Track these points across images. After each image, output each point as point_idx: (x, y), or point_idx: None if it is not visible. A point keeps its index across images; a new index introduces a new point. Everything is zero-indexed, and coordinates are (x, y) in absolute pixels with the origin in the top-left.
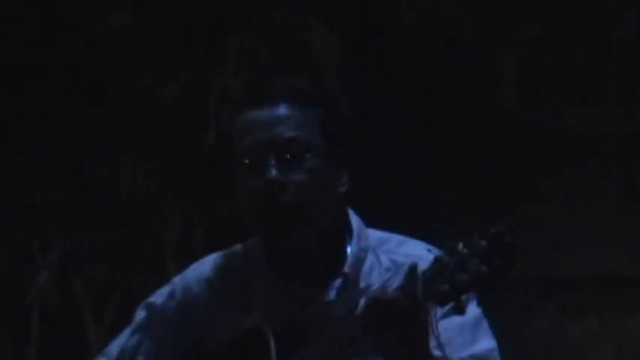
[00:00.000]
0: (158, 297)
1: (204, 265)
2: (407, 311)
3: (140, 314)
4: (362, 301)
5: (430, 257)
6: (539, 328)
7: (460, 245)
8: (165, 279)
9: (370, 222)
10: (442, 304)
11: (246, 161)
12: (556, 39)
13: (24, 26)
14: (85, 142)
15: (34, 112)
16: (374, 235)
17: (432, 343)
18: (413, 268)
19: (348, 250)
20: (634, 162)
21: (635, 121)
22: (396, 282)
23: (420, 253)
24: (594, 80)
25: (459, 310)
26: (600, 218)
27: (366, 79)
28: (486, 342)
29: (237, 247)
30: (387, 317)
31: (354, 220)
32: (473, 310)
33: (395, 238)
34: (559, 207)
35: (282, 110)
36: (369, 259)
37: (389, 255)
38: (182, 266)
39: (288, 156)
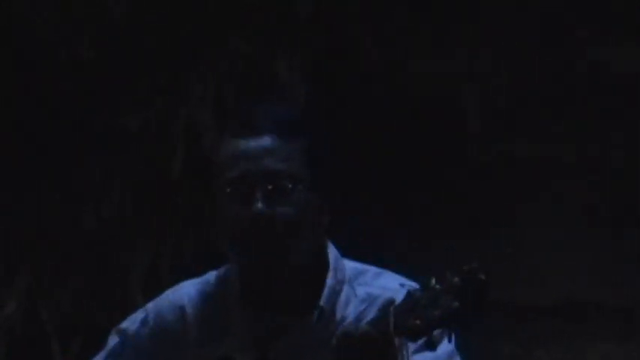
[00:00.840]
0: (131, 323)
1: (179, 293)
2: (378, 346)
3: (112, 340)
4: (335, 334)
5: (404, 291)
6: (509, 355)
7: (433, 281)
8: (132, 308)
9: (344, 249)
10: (414, 339)
11: (233, 192)
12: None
13: None
14: (49, 171)
15: None
16: (350, 266)
17: None
18: (386, 303)
19: (327, 282)
20: (597, 187)
21: (598, 146)
22: (371, 314)
23: (395, 286)
24: (559, 106)
25: (431, 345)
26: (568, 244)
27: (331, 109)
28: None
29: (212, 274)
30: (359, 351)
31: (332, 252)
32: (446, 345)
33: (371, 271)
34: (526, 233)
35: (269, 141)
36: (345, 291)
37: (365, 287)
38: (148, 297)
39: (275, 188)
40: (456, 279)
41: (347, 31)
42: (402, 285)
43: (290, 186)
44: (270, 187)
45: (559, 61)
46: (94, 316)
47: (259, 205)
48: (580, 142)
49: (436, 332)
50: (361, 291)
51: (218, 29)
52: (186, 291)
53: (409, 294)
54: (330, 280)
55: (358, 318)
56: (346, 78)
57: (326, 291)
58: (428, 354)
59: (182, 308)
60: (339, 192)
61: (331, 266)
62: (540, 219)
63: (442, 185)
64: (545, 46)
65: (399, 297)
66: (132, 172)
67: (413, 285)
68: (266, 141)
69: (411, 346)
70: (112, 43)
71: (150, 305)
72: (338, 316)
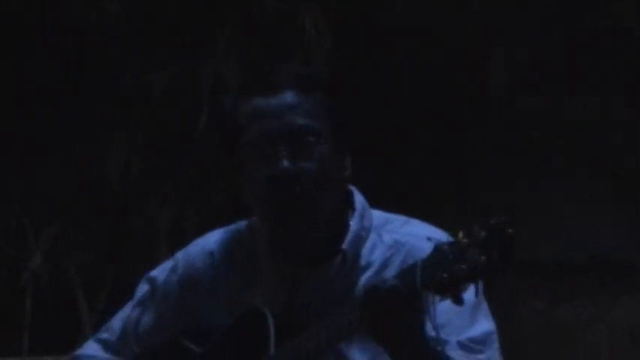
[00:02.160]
0: (160, 271)
1: (209, 239)
2: (405, 299)
3: (142, 288)
4: (362, 281)
5: (431, 235)
6: (532, 312)
7: (460, 235)
8: (157, 262)
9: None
10: (441, 293)
11: (255, 150)
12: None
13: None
14: (76, 129)
15: (24, 98)
16: (377, 214)
17: (428, 326)
18: (413, 253)
19: (351, 226)
20: (622, 147)
21: (621, 105)
22: (398, 261)
23: (423, 232)
24: (583, 69)
25: (457, 300)
26: (593, 204)
27: (354, 69)
28: (485, 324)
29: (242, 222)
30: (385, 305)
31: (358, 199)
32: (472, 293)
33: (398, 219)
34: (551, 192)
35: (290, 98)
36: (372, 238)
37: (392, 234)
38: (174, 250)
39: (298, 144)
40: (483, 233)
41: None
42: (429, 239)
43: (313, 141)
44: (293, 143)
45: (582, 22)
46: (120, 269)
47: (284, 162)
48: (603, 102)
49: (463, 286)
50: (388, 238)
51: None
52: (216, 238)
53: (436, 248)
54: (354, 225)
55: (384, 264)
56: (370, 34)
57: (349, 236)
58: (450, 314)
59: (211, 254)
60: (362, 146)
61: (357, 212)
62: (564, 177)
63: (466, 144)
64: (569, 8)
65: (426, 245)
66: (158, 127)
67: (440, 235)
68: (287, 97)
69: (438, 300)
70: (136, 2)
71: (179, 253)
72: (363, 262)
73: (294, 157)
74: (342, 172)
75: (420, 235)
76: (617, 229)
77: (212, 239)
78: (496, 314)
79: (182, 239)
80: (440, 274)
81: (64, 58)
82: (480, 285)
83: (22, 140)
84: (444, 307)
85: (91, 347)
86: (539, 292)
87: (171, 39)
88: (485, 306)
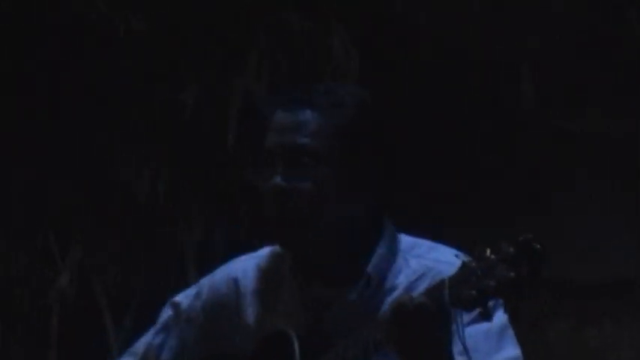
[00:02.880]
0: (184, 297)
1: (233, 266)
2: (433, 316)
3: (166, 312)
4: (387, 303)
5: (457, 263)
6: (559, 333)
7: (488, 251)
8: (184, 283)
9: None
10: (468, 309)
11: (262, 162)
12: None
13: (44, 27)
14: (105, 145)
15: (55, 115)
16: (405, 239)
17: (457, 348)
18: (439, 276)
19: (377, 250)
20: None
21: None
22: (423, 286)
23: (449, 259)
24: (611, 85)
25: (485, 316)
26: (622, 224)
27: (382, 82)
28: (511, 350)
29: (266, 248)
30: (413, 322)
31: (387, 224)
32: (499, 317)
33: (425, 244)
34: (580, 210)
35: (303, 116)
36: (398, 262)
37: (418, 259)
38: (202, 270)
39: (296, 163)
40: (512, 249)
41: (400, 6)
42: (456, 256)
43: (309, 162)
44: (290, 161)
45: (611, 37)
46: (147, 289)
47: (278, 179)
48: (631, 119)
49: (491, 303)
50: (414, 262)
51: (274, 3)
52: (240, 265)
53: (464, 264)
54: (380, 249)
55: (409, 288)
56: (398, 52)
57: (374, 259)
58: (482, 325)
59: (235, 280)
60: (389, 166)
61: (384, 236)
62: (594, 197)
63: (494, 159)
64: (598, 23)
65: (452, 270)
66: (187, 147)
67: (466, 257)
68: (299, 115)
69: (466, 317)
70: (168, 16)
71: (204, 279)
72: (388, 285)
73: (290, 176)
74: (352, 196)
75: (446, 261)
76: None
77: (236, 266)
78: (522, 335)
79: (210, 259)
80: (468, 291)
81: (92, 75)
82: (507, 306)
83: (50, 159)
84: (470, 332)
85: None
86: (567, 313)
87: (201, 56)
88: (511, 332)
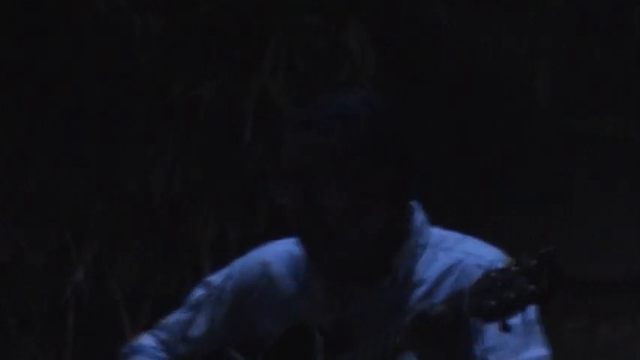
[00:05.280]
0: (217, 276)
1: (265, 249)
2: (452, 325)
3: (197, 292)
4: (414, 298)
5: (486, 258)
6: (572, 331)
7: (509, 262)
8: (199, 278)
9: None
10: (487, 319)
11: (284, 181)
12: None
13: (61, 25)
14: (121, 143)
15: (71, 112)
16: (435, 232)
17: (479, 348)
18: (466, 272)
19: (404, 244)
20: None
21: None
22: (451, 279)
23: (477, 251)
24: (627, 88)
25: (504, 327)
26: (634, 220)
27: (398, 80)
28: (541, 350)
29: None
30: (431, 330)
31: (418, 217)
32: (529, 314)
33: (454, 236)
34: (594, 209)
35: (323, 134)
36: (426, 256)
37: (446, 252)
38: (216, 266)
39: (313, 182)
40: (533, 262)
41: (417, 3)
42: (478, 266)
43: (328, 180)
44: (308, 180)
45: (612, 39)
46: (162, 285)
47: (297, 199)
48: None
49: (510, 314)
50: (442, 256)
51: (290, 1)
52: (273, 249)
53: (485, 274)
54: (408, 244)
55: (437, 282)
56: (415, 51)
57: (401, 254)
58: (511, 321)
59: (267, 264)
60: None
61: (412, 231)
62: (606, 193)
63: (509, 160)
64: (599, 26)
65: (480, 263)
66: (203, 143)
67: (494, 254)
68: (312, 134)
69: (485, 327)
70: (186, 14)
71: (236, 262)
72: (416, 278)
73: (309, 195)
74: (375, 207)
75: (474, 254)
76: None
77: (270, 250)
78: None
79: (225, 254)
80: (488, 302)
81: (109, 72)
82: (533, 310)
83: (66, 155)
84: (496, 330)
85: (146, 339)
86: (580, 310)
87: (218, 53)
88: (538, 329)
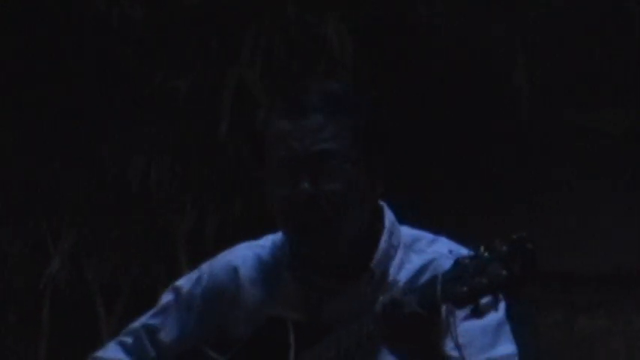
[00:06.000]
0: (185, 281)
1: (233, 254)
2: (424, 320)
3: (166, 296)
4: (379, 300)
5: (452, 253)
6: (550, 324)
7: (481, 249)
8: (176, 270)
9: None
10: (460, 306)
11: (280, 172)
12: (569, 41)
13: (38, 17)
14: (98, 133)
15: (48, 103)
16: (406, 232)
17: (450, 343)
18: (436, 269)
19: (380, 245)
20: None
21: None
22: (423, 280)
23: (447, 252)
24: (606, 79)
25: (478, 313)
26: (612, 215)
27: (378, 77)
28: (507, 346)
29: (268, 238)
30: (404, 320)
31: (388, 216)
32: (494, 314)
33: (426, 237)
34: (571, 203)
35: (316, 120)
36: (399, 256)
37: (419, 254)
38: (193, 259)
39: (321, 167)
40: (505, 247)
41: None
42: (450, 251)
43: (336, 164)
44: (315, 166)
45: (610, 34)
46: (139, 276)
47: (305, 184)
48: (628, 113)
49: (484, 301)
50: (415, 257)
51: None
52: (241, 253)
53: (457, 262)
54: (383, 244)
55: (410, 281)
56: (394, 44)
57: (378, 254)
58: (478, 321)
59: (236, 269)
60: (390, 163)
61: (386, 230)
62: (585, 187)
63: (489, 155)
64: (597, 20)
65: (450, 263)
66: (180, 135)
67: (464, 252)
68: (312, 121)
69: (459, 315)
70: (163, 5)
71: (205, 265)
72: (390, 279)
73: (317, 180)
74: (370, 192)
75: (447, 255)
76: (637, 240)
77: (237, 254)
78: (512, 325)
79: (201, 247)
80: (460, 288)
81: (86, 62)
82: (502, 302)
83: (42, 145)
84: (466, 327)
85: (111, 349)
86: (558, 303)
87: (195, 45)
88: (507, 328)
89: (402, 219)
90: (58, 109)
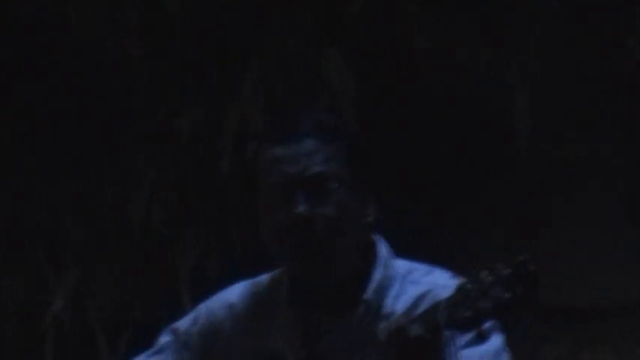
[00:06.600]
0: (182, 322)
1: (231, 292)
2: (428, 338)
3: (164, 337)
4: (383, 327)
5: (453, 286)
6: (555, 357)
7: (484, 273)
8: (178, 307)
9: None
10: (464, 330)
11: (274, 197)
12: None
13: (40, 50)
14: (99, 170)
15: (49, 139)
16: (401, 264)
17: None
18: (436, 298)
19: (374, 276)
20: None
21: None
22: (420, 311)
23: (446, 282)
24: (605, 108)
25: (481, 337)
26: (616, 250)
27: (376, 110)
28: None
29: (264, 276)
30: (408, 345)
31: (382, 248)
32: (495, 340)
33: (421, 268)
34: (574, 236)
35: (309, 145)
36: (395, 288)
37: (415, 285)
38: (196, 295)
39: (315, 190)
40: (507, 270)
41: (396, 31)
42: (453, 277)
43: (330, 187)
44: (309, 189)
45: (607, 63)
46: (141, 314)
47: (300, 207)
48: (627, 144)
49: (486, 325)
50: (411, 288)
51: (268, 29)
52: (237, 290)
53: (460, 286)
54: (377, 275)
55: (407, 314)
56: (394, 77)
57: (372, 285)
58: (477, 348)
59: (232, 306)
60: (384, 189)
61: (380, 261)
62: (586, 221)
63: (487, 185)
64: (594, 48)
65: (448, 293)
66: (181, 171)
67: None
68: (305, 145)
69: (461, 340)
70: (163, 41)
71: (202, 305)
72: (386, 310)
73: (311, 203)
74: (362, 218)
75: (442, 285)
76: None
77: (234, 291)
78: (516, 358)
79: (204, 283)
80: (463, 312)
81: (87, 99)
82: (500, 338)
83: (44, 183)
84: (466, 354)
85: None
86: (561, 338)
87: (197, 81)
88: (506, 356)
89: (402, 251)
90: (60, 146)
